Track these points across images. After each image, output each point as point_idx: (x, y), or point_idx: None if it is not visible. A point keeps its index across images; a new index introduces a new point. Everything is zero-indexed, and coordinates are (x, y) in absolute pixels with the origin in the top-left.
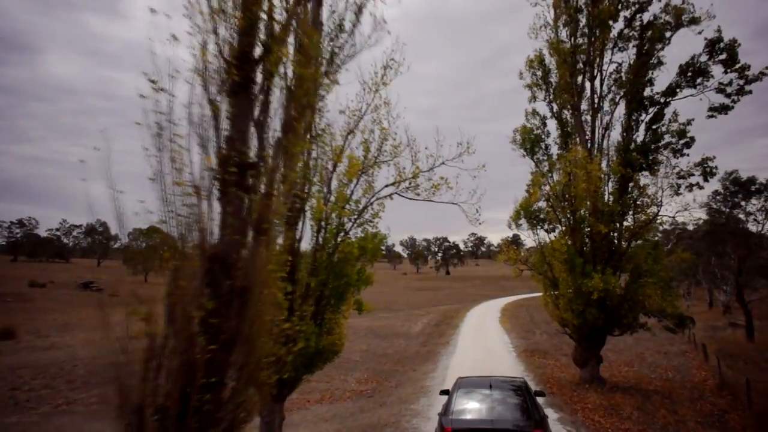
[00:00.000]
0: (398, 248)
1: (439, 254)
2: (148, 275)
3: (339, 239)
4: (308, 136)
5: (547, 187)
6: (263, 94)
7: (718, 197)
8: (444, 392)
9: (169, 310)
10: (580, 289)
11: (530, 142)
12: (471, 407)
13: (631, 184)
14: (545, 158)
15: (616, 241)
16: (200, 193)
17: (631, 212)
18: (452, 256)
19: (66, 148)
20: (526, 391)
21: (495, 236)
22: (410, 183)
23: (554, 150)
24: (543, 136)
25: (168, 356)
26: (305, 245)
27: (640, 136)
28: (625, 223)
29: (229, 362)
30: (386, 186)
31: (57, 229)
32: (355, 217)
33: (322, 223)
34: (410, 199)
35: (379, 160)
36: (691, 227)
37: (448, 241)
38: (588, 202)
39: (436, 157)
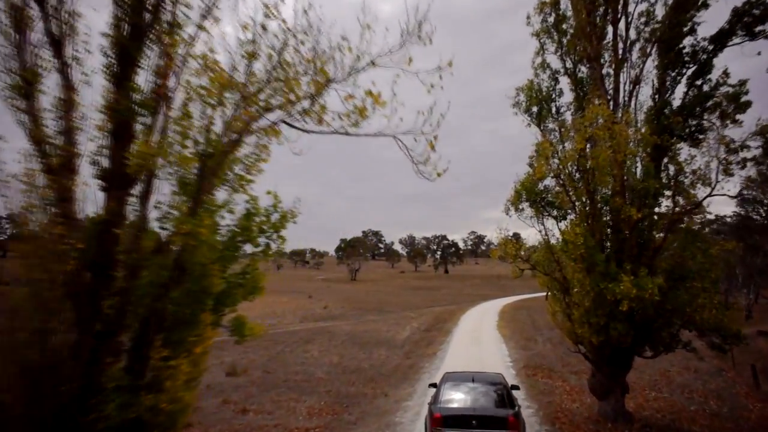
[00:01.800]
0: (397, 246)
1: (438, 253)
2: None
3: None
4: None
5: (557, 161)
6: None
7: (751, 185)
8: (432, 385)
9: None
10: (601, 295)
11: (537, 103)
12: (457, 397)
13: (665, 159)
14: (555, 124)
15: (646, 231)
16: None
17: (670, 193)
18: (451, 255)
19: None
20: (504, 385)
21: (495, 234)
22: (311, 103)
23: (567, 117)
24: (554, 96)
25: None
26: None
27: (677, 99)
28: (656, 209)
29: None
30: (267, 110)
31: None
32: (214, 166)
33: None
34: (309, 132)
35: (274, 78)
36: (695, 227)
37: (447, 240)
38: (612, 178)
39: (361, 54)
